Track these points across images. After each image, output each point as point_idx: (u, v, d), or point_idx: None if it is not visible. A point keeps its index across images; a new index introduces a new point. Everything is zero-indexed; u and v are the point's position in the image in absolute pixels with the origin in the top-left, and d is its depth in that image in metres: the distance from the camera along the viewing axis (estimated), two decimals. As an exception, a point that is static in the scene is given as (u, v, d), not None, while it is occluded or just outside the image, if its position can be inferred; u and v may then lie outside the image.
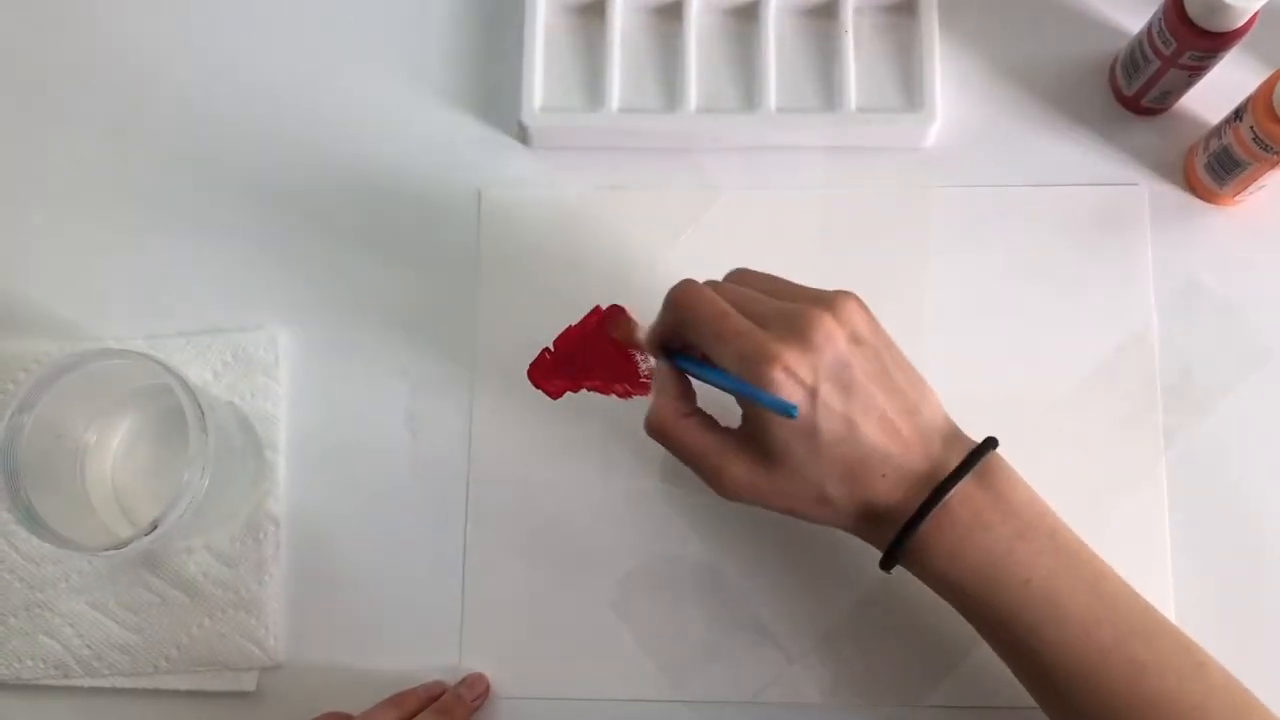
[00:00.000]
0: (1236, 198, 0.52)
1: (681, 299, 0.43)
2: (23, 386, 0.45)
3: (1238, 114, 0.49)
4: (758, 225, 0.54)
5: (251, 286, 0.55)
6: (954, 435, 0.42)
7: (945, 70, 0.55)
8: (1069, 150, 0.54)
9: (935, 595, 0.43)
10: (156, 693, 0.51)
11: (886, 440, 0.41)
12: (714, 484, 0.43)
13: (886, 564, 0.42)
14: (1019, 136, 0.55)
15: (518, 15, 0.55)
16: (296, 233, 0.55)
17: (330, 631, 0.52)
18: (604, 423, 0.52)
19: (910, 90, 0.55)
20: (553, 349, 0.53)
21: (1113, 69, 0.55)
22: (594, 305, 0.53)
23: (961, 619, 0.43)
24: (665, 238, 0.54)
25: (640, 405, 0.44)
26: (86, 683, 0.51)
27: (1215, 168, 0.51)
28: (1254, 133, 0.47)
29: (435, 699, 0.49)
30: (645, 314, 0.53)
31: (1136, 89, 0.53)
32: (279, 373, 0.53)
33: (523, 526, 0.52)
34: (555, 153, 0.56)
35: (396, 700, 0.49)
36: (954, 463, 0.41)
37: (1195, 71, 0.50)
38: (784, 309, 0.41)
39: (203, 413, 0.45)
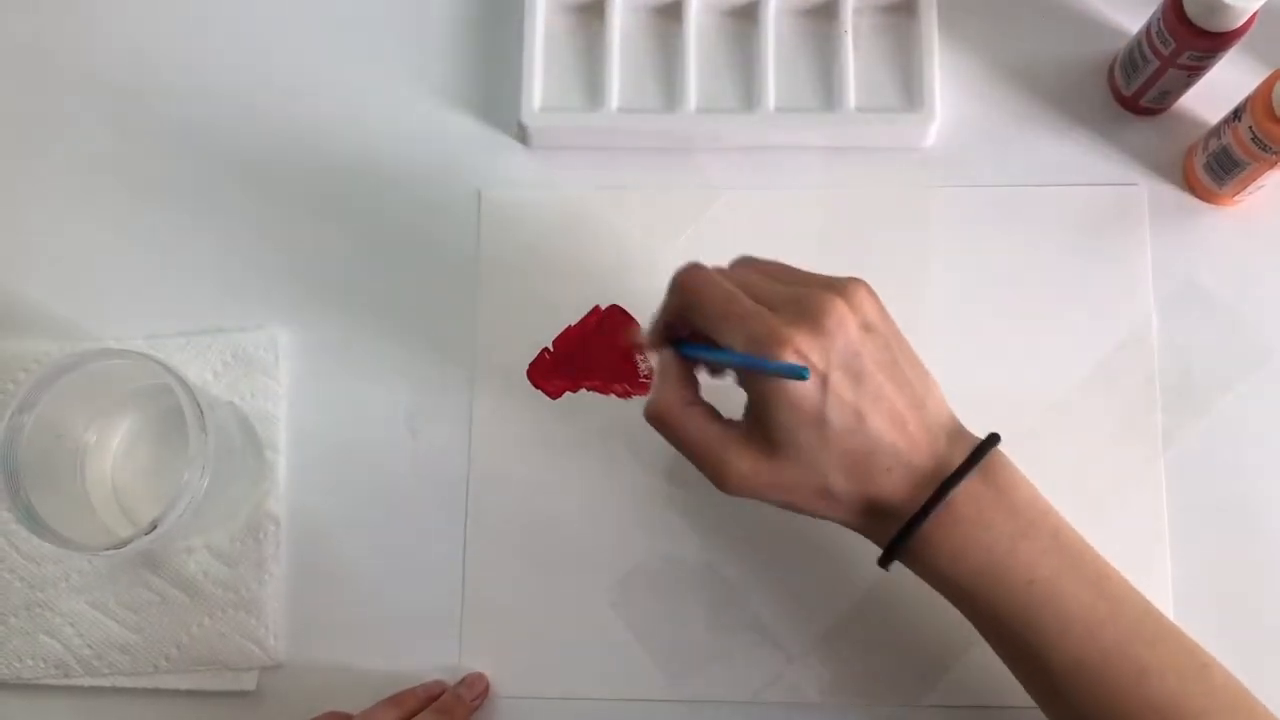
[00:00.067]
0: (1236, 198, 0.52)
1: (688, 281, 0.42)
2: (23, 386, 0.45)
3: (1237, 114, 0.49)
4: (757, 225, 0.54)
5: (251, 286, 0.55)
6: (958, 431, 0.42)
7: (945, 70, 0.55)
8: (1068, 150, 0.54)
9: (935, 595, 0.43)
10: (157, 692, 0.52)
11: (894, 434, 0.40)
12: (715, 477, 0.42)
13: (886, 561, 0.42)
14: (1018, 136, 0.55)
15: (517, 15, 0.56)
16: (296, 233, 0.55)
17: (330, 631, 0.52)
18: (604, 423, 0.53)
19: (910, 90, 0.55)
20: (552, 349, 0.53)
21: (1112, 69, 0.55)
22: (593, 305, 0.53)
23: (961, 619, 0.43)
24: (665, 238, 0.54)
25: (640, 405, 0.44)
26: (87, 682, 0.51)
27: (1214, 168, 0.51)
28: (1253, 133, 0.47)
29: (435, 698, 0.49)
30: (645, 314, 0.53)
31: (1135, 89, 0.53)
32: (279, 372, 0.53)
33: (522, 526, 0.52)
34: (555, 153, 0.56)
35: (396, 700, 0.49)
36: (958, 459, 0.40)
37: (1194, 71, 0.50)
38: (795, 293, 0.40)
39: (202, 412, 0.45)
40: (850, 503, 0.41)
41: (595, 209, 0.55)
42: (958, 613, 0.43)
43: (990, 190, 0.54)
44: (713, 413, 0.43)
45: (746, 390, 0.41)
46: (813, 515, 0.42)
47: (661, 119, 0.55)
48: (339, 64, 0.57)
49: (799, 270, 0.43)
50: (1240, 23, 0.46)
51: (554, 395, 0.53)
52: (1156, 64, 0.50)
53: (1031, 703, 0.42)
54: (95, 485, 0.51)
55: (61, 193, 0.56)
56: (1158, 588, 0.50)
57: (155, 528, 0.44)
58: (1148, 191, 0.54)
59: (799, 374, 0.38)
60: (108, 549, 0.45)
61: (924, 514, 0.40)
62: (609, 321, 0.53)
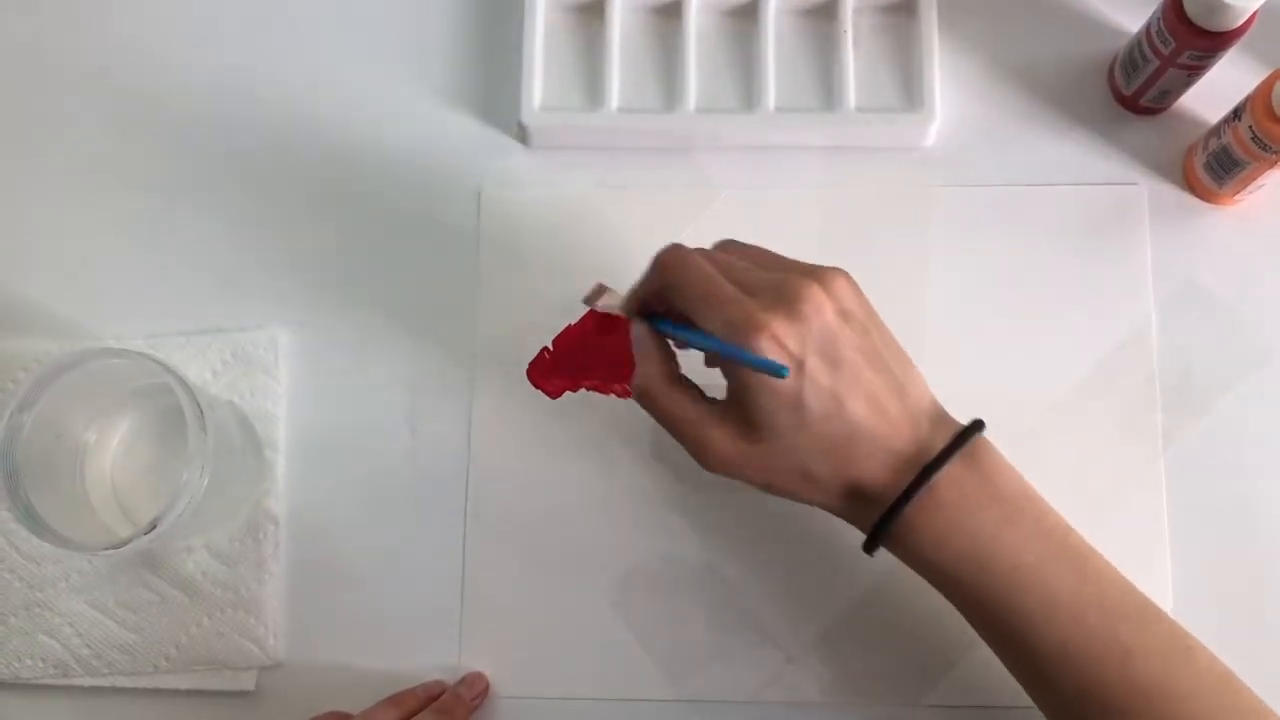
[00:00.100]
0: (1236, 197, 0.52)
1: (669, 262, 0.42)
2: (22, 385, 0.45)
3: (1236, 113, 0.49)
4: (757, 224, 0.54)
5: (251, 286, 0.55)
6: (940, 416, 0.42)
7: (944, 70, 0.55)
8: (1068, 150, 0.54)
9: (935, 595, 0.43)
10: (156, 692, 0.51)
11: (873, 419, 0.40)
12: (697, 454, 0.42)
13: (870, 546, 0.42)
14: (1018, 136, 0.55)
15: (517, 15, 0.56)
16: (296, 232, 0.55)
17: (330, 630, 0.52)
18: (603, 422, 0.52)
19: (909, 90, 0.55)
20: (552, 348, 0.53)
21: (1112, 69, 0.55)
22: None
23: (960, 618, 0.43)
24: (665, 237, 0.54)
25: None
26: (86, 682, 0.51)
27: (1214, 167, 0.51)
28: (1253, 132, 0.47)
29: (435, 698, 0.49)
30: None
31: (1135, 88, 0.53)
32: (279, 372, 0.53)
33: (522, 525, 0.52)
34: (555, 152, 0.56)
35: (396, 699, 0.49)
36: (941, 444, 0.41)
37: (1194, 71, 0.50)
38: (773, 279, 0.41)
39: (202, 412, 0.45)
40: (832, 487, 0.41)
41: (595, 208, 0.55)
42: (958, 613, 0.43)
43: (990, 190, 0.54)
44: (697, 393, 0.43)
45: (724, 373, 0.42)
46: (795, 499, 0.42)
47: (661, 118, 0.55)
48: (339, 64, 0.57)
49: (780, 256, 0.43)
50: (1240, 22, 0.46)
51: (554, 395, 0.53)
52: (1156, 63, 0.50)
53: (1030, 703, 0.42)
54: (95, 484, 0.51)
55: (61, 193, 0.56)
56: (1158, 587, 0.50)
57: (154, 527, 0.44)
58: (1148, 191, 0.54)
59: (777, 371, 0.38)
60: (107, 548, 0.45)
61: (906, 498, 0.40)
62: (608, 321, 0.53)
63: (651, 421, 0.44)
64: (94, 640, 0.51)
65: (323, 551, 0.52)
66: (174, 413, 0.46)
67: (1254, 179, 0.50)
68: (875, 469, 0.40)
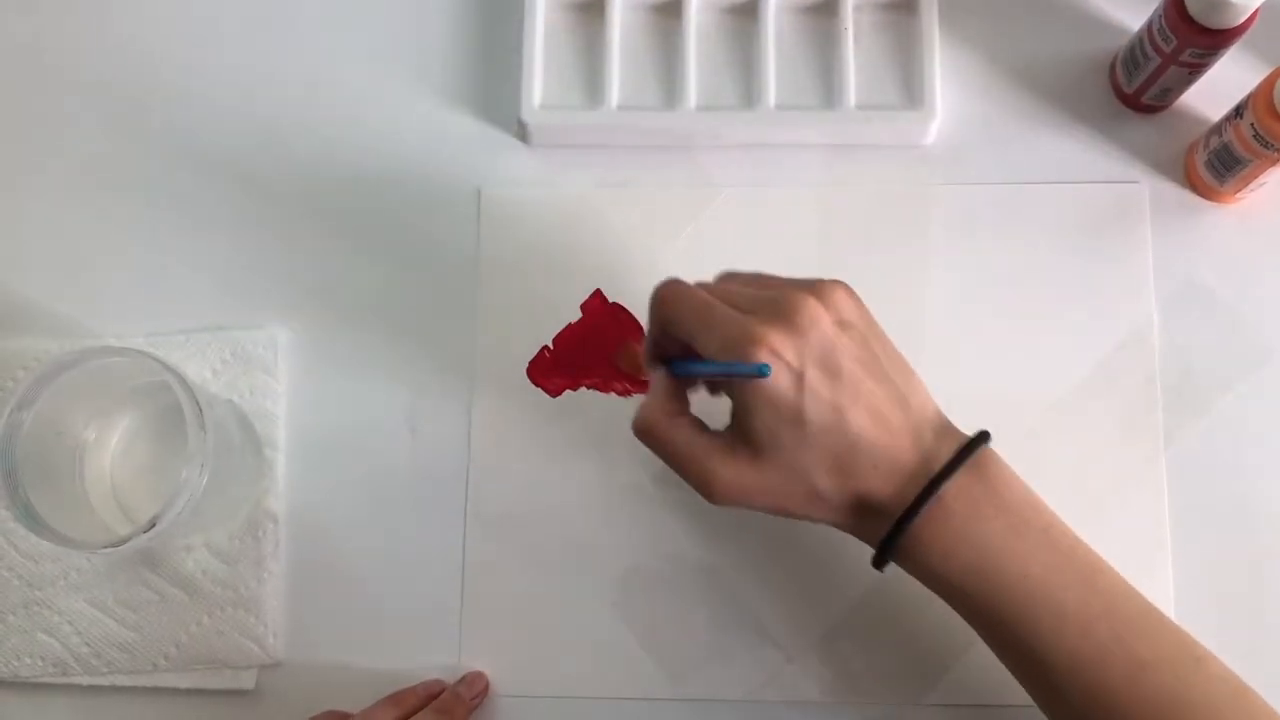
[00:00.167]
0: (1237, 195, 0.52)
1: (665, 296, 0.42)
2: (22, 384, 0.45)
3: (1238, 111, 0.48)
4: (757, 223, 0.54)
5: (251, 284, 0.55)
6: (945, 427, 0.42)
7: (945, 68, 0.55)
8: (1069, 148, 0.54)
9: (934, 594, 0.42)
10: (156, 691, 0.51)
11: (876, 430, 0.40)
12: (701, 486, 0.42)
13: (879, 561, 0.42)
14: (1019, 134, 0.55)
15: (517, 13, 0.56)
16: (296, 231, 0.55)
17: (329, 629, 0.52)
18: (604, 421, 0.52)
19: (910, 87, 0.55)
20: (552, 347, 0.53)
21: (1113, 66, 0.54)
22: (589, 298, 0.53)
23: (959, 618, 0.43)
24: (665, 235, 0.54)
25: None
26: (85, 681, 0.51)
27: (1216, 165, 0.51)
28: (1254, 130, 0.47)
29: (434, 697, 0.49)
30: (643, 312, 0.53)
31: (1137, 86, 0.53)
32: (278, 370, 0.53)
33: (522, 524, 0.52)
34: (555, 151, 0.56)
35: (396, 698, 0.49)
36: (946, 455, 0.40)
37: (1195, 69, 0.50)
38: (769, 295, 0.41)
39: (201, 410, 0.45)
40: (838, 503, 0.41)
41: (595, 207, 0.55)
42: (956, 612, 0.43)
43: (991, 188, 0.54)
44: (699, 424, 0.43)
45: (732, 400, 0.42)
46: (804, 519, 0.42)
47: (662, 116, 0.55)
48: (339, 63, 0.57)
49: (778, 277, 0.43)
50: (1242, 20, 0.46)
51: (554, 393, 0.53)
52: (1158, 61, 0.50)
53: (1030, 702, 0.42)
54: (94, 483, 0.51)
55: (61, 192, 0.56)
56: (1159, 588, 0.50)
57: (154, 525, 0.44)
58: (1149, 189, 0.54)
59: (760, 372, 0.38)
60: (106, 547, 0.45)
61: (915, 510, 0.40)
62: (609, 319, 0.53)
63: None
64: (93, 639, 0.51)
65: (323, 550, 0.52)
66: (173, 411, 0.46)
67: (1255, 177, 0.50)
68: (880, 482, 0.40)
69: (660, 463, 0.43)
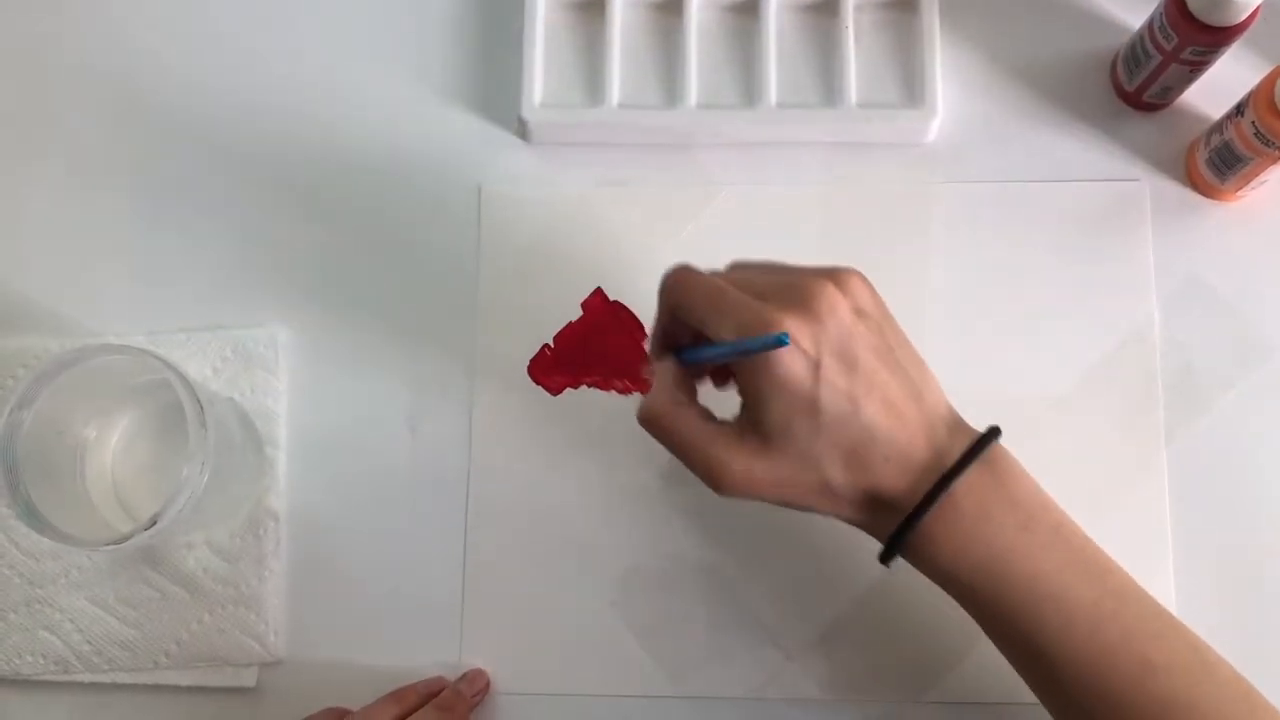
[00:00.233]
0: (1238, 193, 0.52)
1: (674, 282, 0.42)
2: (23, 382, 0.45)
3: (1239, 109, 0.48)
4: (758, 221, 0.54)
5: (252, 283, 0.55)
6: (957, 422, 0.41)
7: (946, 66, 0.55)
8: (1070, 146, 0.54)
9: (935, 592, 0.42)
10: (157, 688, 0.51)
11: (891, 423, 0.39)
12: (710, 476, 0.41)
13: (887, 557, 0.41)
14: (1020, 132, 0.55)
15: (518, 11, 0.55)
16: (297, 229, 0.55)
17: (330, 627, 0.52)
18: (604, 419, 0.52)
19: (911, 86, 0.55)
20: (553, 345, 0.53)
21: (1114, 64, 0.54)
22: (590, 295, 0.53)
23: (962, 615, 0.42)
24: (666, 234, 0.54)
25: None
26: (87, 678, 0.51)
27: (1216, 163, 0.51)
28: (1255, 128, 0.47)
29: (435, 694, 0.49)
30: (644, 311, 0.53)
31: (1138, 84, 0.53)
32: (279, 369, 0.53)
33: (523, 522, 0.52)
34: (555, 149, 0.56)
35: (396, 696, 0.49)
36: (958, 450, 0.40)
37: (1196, 67, 0.50)
38: (785, 280, 0.40)
39: (202, 408, 0.45)
40: (848, 496, 0.40)
41: (596, 205, 0.55)
42: (959, 609, 0.42)
43: (991, 186, 0.54)
44: (706, 413, 0.42)
45: (741, 388, 0.41)
46: (812, 511, 0.41)
47: (662, 115, 0.55)
48: (339, 62, 0.57)
49: (791, 265, 0.42)
50: (1243, 17, 0.46)
51: (555, 391, 0.53)
52: (1159, 59, 0.50)
53: (1032, 699, 0.42)
54: (95, 481, 0.51)
55: (62, 191, 0.56)
56: (1160, 585, 0.50)
57: (155, 523, 0.44)
58: (1150, 187, 0.54)
59: (779, 341, 0.37)
60: (107, 545, 0.45)
61: (926, 505, 0.39)
62: (609, 318, 0.53)
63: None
64: (94, 636, 0.51)
65: (324, 548, 0.52)
66: (174, 409, 0.46)
67: (1256, 175, 0.50)
68: (892, 476, 0.39)
69: (669, 457, 0.42)
